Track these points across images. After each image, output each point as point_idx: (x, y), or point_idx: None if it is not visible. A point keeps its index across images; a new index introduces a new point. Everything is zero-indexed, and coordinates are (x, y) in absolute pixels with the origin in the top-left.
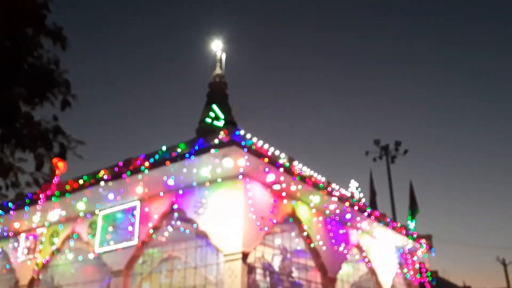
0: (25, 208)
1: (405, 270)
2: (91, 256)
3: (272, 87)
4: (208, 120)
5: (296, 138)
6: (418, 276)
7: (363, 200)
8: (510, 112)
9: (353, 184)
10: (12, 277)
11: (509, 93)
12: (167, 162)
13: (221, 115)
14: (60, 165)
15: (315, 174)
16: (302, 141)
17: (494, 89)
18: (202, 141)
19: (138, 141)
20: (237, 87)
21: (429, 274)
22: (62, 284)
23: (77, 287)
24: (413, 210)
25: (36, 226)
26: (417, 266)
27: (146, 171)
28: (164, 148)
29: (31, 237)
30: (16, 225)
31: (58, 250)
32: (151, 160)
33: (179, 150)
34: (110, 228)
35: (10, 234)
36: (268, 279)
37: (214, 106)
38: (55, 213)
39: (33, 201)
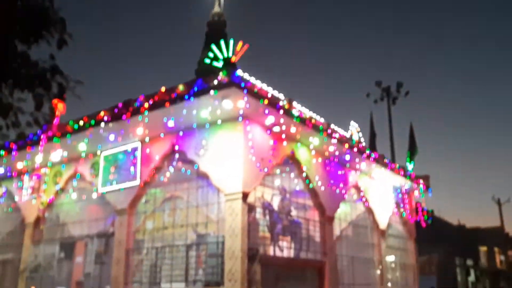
0: (27, 149)
1: (402, 209)
2: (94, 195)
3: (272, 26)
4: (207, 60)
5: (296, 79)
6: (414, 215)
7: (363, 141)
8: None
9: (353, 125)
10: (18, 215)
11: None
12: (167, 104)
13: (220, 55)
14: (60, 106)
15: (315, 116)
16: (302, 82)
17: (497, 34)
18: (201, 82)
19: (137, 82)
20: (236, 26)
21: (425, 213)
22: (67, 222)
23: (82, 225)
24: (412, 151)
25: (39, 166)
26: (413, 205)
27: (146, 112)
28: (163, 89)
29: (34, 177)
30: (19, 165)
31: (62, 190)
32: (150, 101)
33: (178, 91)
34: (112, 169)
35: (13, 174)
36: (267, 217)
37: (214, 47)
38: (57, 154)
39: (35, 142)
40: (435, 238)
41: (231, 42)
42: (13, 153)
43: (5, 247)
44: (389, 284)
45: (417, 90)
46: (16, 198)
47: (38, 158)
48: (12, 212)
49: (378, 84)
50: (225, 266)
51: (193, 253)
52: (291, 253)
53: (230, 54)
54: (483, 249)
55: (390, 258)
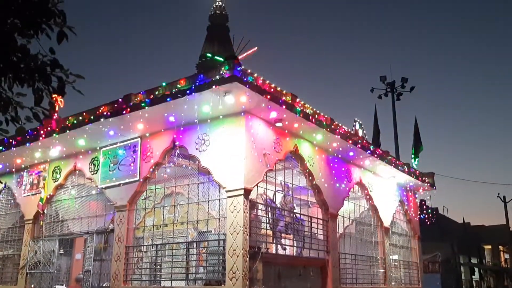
0: (26, 144)
1: (406, 207)
2: (94, 191)
3: (275, 20)
4: (209, 55)
5: (300, 74)
6: (418, 213)
7: (367, 138)
8: None
9: (357, 121)
10: (17, 211)
11: None
12: (167, 98)
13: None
14: (59, 101)
15: (319, 111)
16: (305, 77)
17: (504, 29)
18: (202, 76)
19: (138, 77)
20: (238, 20)
21: (430, 211)
22: (66, 218)
23: (82, 221)
24: (417, 147)
25: (38, 162)
26: (418, 203)
27: (146, 107)
28: (164, 84)
29: (33, 173)
30: (18, 161)
31: (61, 186)
32: (151, 96)
33: (179, 86)
34: (112, 164)
35: (13, 170)
36: (269, 214)
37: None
38: (57, 149)
39: (34, 137)
40: (439, 236)
41: (232, 37)
42: (13, 148)
43: (5, 243)
44: (393, 283)
45: (423, 86)
46: (16, 194)
47: (37, 154)
48: (12, 208)
49: (382, 79)
50: (226, 264)
51: (193, 251)
52: (294, 251)
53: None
54: (487, 247)
55: (394, 256)
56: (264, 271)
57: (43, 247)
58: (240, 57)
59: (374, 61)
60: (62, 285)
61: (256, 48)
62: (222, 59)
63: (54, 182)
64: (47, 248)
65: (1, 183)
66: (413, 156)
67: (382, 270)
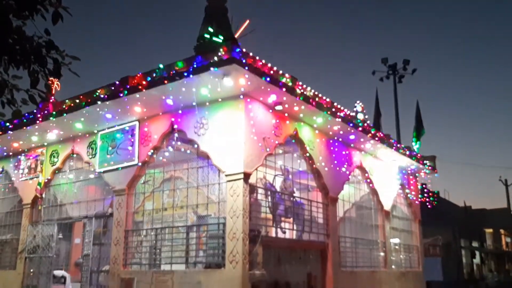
0: (23, 128)
1: (407, 190)
2: (92, 175)
3: (275, 1)
4: (207, 36)
5: (300, 56)
6: (420, 196)
7: (368, 121)
8: None
9: (358, 104)
10: (15, 196)
11: None
12: (165, 81)
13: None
14: (56, 84)
15: (319, 94)
16: (305, 59)
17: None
18: (200, 58)
19: (135, 59)
20: (237, 0)
21: (431, 195)
22: (65, 202)
23: (80, 206)
24: (419, 130)
25: (36, 146)
26: (419, 186)
27: (144, 90)
28: (161, 66)
29: (31, 157)
30: (16, 144)
31: (59, 170)
32: (148, 78)
33: (176, 68)
34: (110, 148)
35: (10, 154)
36: (269, 198)
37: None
38: (54, 133)
39: (31, 120)
40: (440, 220)
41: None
42: (9, 132)
43: (3, 227)
44: (393, 266)
45: (425, 68)
46: (13, 178)
47: (34, 137)
48: (10, 192)
49: (384, 61)
50: (226, 247)
51: (193, 235)
52: (294, 235)
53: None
54: (489, 230)
55: (395, 239)
56: (264, 255)
57: (42, 231)
58: (236, 36)
59: (376, 43)
60: (62, 269)
61: (248, 21)
62: (220, 41)
63: (52, 166)
64: (46, 232)
65: None
66: (414, 139)
67: (382, 254)
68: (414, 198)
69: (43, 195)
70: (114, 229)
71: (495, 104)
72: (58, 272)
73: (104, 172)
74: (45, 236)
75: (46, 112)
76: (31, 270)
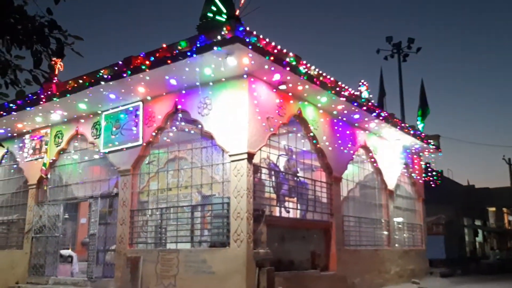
0: (27, 108)
1: (411, 170)
2: (97, 156)
3: None
4: (210, 15)
5: (303, 35)
6: (424, 175)
7: (372, 100)
8: None
9: (362, 83)
10: (20, 176)
11: None
12: (168, 61)
13: (224, 9)
14: (59, 64)
15: (323, 73)
16: (309, 38)
17: None
18: (203, 38)
19: (138, 38)
20: None
21: (435, 174)
22: (70, 183)
23: (86, 186)
24: (423, 110)
25: (40, 127)
26: (423, 166)
27: (147, 70)
28: (164, 45)
29: (35, 138)
30: (20, 125)
31: (64, 150)
32: (152, 58)
33: (179, 47)
34: (114, 129)
35: (14, 135)
36: (273, 178)
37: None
38: (58, 114)
39: (35, 101)
40: (443, 199)
41: None
42: (13, 113)
43: (10, 208)
44: (396, 245)
45: (430, 46)
46: (18, 159)
47: (38, 118)
48: (15, 173)
49: (388, 40)
50: (230, 227)
51: (198, 214)
52: (298, 214)
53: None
54: (491, 209)
55: (398, 218)
56: (268, 234)
57: (48, 211)
58: (238, 13)
59: (380, 21)
60: (68, 249)
61: None
62: (223, 20)
63: (57, 146)
64: (52, 212)
65: (3, 147)
66: (419, 118)
67: (386, 232)
68: (418, 177)
69: (48, 176)
70: (120, 209)
71: (500, 83)
72: (65, 252)
73: (109, 152)
74: (51, 216)
75: (49, 92)
76: (38, 250)
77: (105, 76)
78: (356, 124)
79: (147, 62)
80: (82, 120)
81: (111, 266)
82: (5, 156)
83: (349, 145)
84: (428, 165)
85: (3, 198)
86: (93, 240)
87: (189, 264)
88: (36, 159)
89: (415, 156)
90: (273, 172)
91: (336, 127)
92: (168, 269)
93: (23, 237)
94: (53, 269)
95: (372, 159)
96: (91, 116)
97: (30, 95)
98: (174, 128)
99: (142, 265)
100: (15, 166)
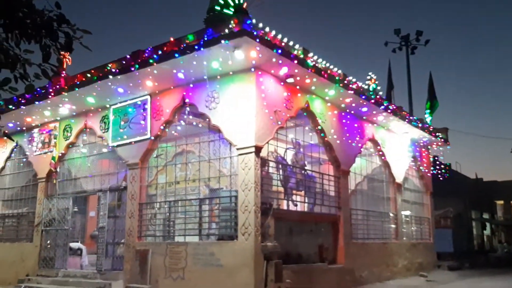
0: (36, 102)
1: (419, 163)
2: (105, 149)
3: None
4: (218, 8)
5: (311, 28)
6: (432, 169)
7: (380, 93)
8: None
9: (370, 76)
10: (30, 170)
11: None
12: (176, 54)
13: (231, 2)
14: (67, 58)
15: (331, 67)
16: (317, 31)
17: None
18: (211, 31)
19: (145, 32)
20: None
21: (443, 167)
22: (79, 176)
23: (94, 179)
24: (432, 103)
25: (49, 121)
26: (431, 159)
27: (155, 63)
28: (172, 39)
29: (44, 131)
30: (29, 119)
31: (72, 144)
32: (159, 52)
33: (187, 41)
34: (122, 122)
35: (24, 129)
36: (281, 172)
37: None
38: (66, 107)
39: (43, 95)
40: (451, 192)
41: None
42: (22, 107)
43: (19, 201)
44: (404, 238)
45: (438, 39)
46: (28, 153)
47: (47, 112)
48: (24, 166)
49: (396, 32)
50: (238, 220)
51: (206, 207)
52: (305, 207)
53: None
54: (499, 202)
55: (406, 212)
56: (276, 227)
57: (57, 204)
58: (244, 6)
59: (388, 13)
60: (77, 241)
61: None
62: (231, 13)
63: (66, 140)
64: (61, 205)
65: (13, 140)
66: (427, 111)
67: (393, 226)
68: (426, 170)
69: (58, 169)
70: (128, 202)
71: (509, 76)
72: (75, 244)
73: (117, 146)
74: (61, 209)
75: (58, 86)
76: (48, 243)
77: (113, 70)
78: (364, 117)
79: (155, 56)
80: (91, 114)
81: (120, 259)
82: (15, 150)
83: (357, 138)
84: (436, 158)
85: (13, 191)
86: (102, 233)
87: (197, 257)
88: (45, 153)
89: (423, 149)
90: (280, 166)
91: (344, 120)
92: (176, 262)
93: (33, 230)
94: (63, 261)
95: (380, 152)
96: (100, 110)
97: (39, 89)
98: (182, 121)
99: (150, 258)
100: (24, 159)
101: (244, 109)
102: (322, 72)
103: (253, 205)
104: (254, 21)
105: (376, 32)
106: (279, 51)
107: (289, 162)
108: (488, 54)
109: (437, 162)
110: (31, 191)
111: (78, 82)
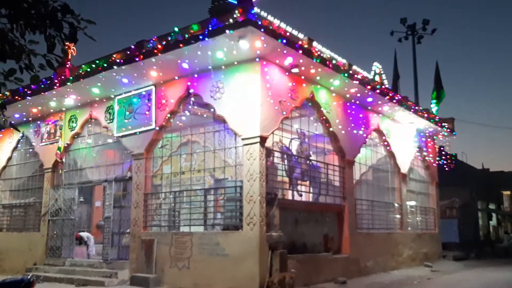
0: (41, 93)
1: (425, 153)
2: (110, 140)
3: None
4: None
5: (316, 17)
6: (437, 159)
7: (386, 83)
8: None
9: (376, 66)
10: (36, 160)
11: None
12: (180, 44)
13: None
14: (72, 48)
15: (336, 56)
16: (322, 20)
17: None
18: (216, 21)
19: (150, 22)
20: None
21: (449, 157)
22: (85, 166)
23: (100, 170)
24: (439, 92)
25: (54, 111)
26: (437, 149)
27: (159, 54)
28: (176, 29)
29: (50, 122)
30: (34, 110)
31: (78, 135)
32: (164, 42)
33: (192, 31)
34: (127, 113)
35: (29, 119)
36: (286, 162)
37: None
38: (71, 98)
39: (49, 86)
40: (457, 182)
41: None
42: (28, 98)
43: (26, 191)
44: (409, 228)
45: (444, 28)
46: (34, 143)
47: (53, 103)
48: (31, 157)
49: (403, 21)
50: (243, 210)
51: (211, 197)
52: (310, 197)
53: None
54: (506, 193)
55: (411, 202)
56: (281, 217)
57: (63, 195)
58: None
59: (394, 2)
60: (84, 231)
61: None
62: (236, 2)
63: (71, 131)
64: (67, 196)
65: (19, 131)
66: (434, 101)
67: (398, 216)
68: (432, 160)
69: (63, 160)
70: (134, 192)
71: None
72: (84, 234)
73: (122, 136)
74: (67, 199)
75: (63, 77)
76: (55, 232)
77: (118, 61)
78: (369, 107)
79: (159, 46)
80: (96, 105)
81: (126, 249)
82: (21, 140)
83: (362, 129)
84: (442, 148)
85: (20, 181)
86: (108, 223)
87: (202, 246)
88: (51, 143)
89: (429, 140)
90: (285, 156)
91: (349, 110)
92: (182, 252)
93: (40, 219)
94: (70, 251)
95: (385, 143)
96: (105, 100)
97: (44, 80)
98: (186, 112)
99: (156, 247)
100: (30, 150)
101: (249, 99)
102: (327, 62)
103: (258, 195)
104: (258, 10)
105: (382, 21)
106: (284, 41)
107: (294, 152)
108: (496, 43)
109: (443, 152)
110: (37, 181)
111: (83, 73)
